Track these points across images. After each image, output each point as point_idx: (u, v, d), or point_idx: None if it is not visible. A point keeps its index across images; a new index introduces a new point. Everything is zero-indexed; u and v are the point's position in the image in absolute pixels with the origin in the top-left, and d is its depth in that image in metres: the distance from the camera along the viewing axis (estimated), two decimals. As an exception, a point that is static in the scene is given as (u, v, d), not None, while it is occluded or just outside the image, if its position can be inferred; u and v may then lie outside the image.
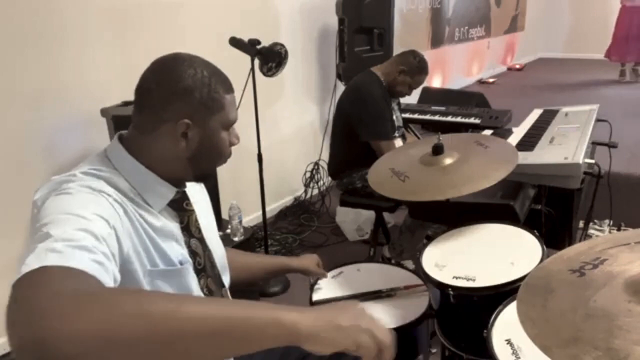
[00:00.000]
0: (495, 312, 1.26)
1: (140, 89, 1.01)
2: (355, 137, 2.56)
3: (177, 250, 1.04)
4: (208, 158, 1.06)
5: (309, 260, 1.55)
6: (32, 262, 0.69)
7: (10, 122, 2.11)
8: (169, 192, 1.04)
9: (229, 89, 1.05)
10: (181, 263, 1.03)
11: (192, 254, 1.09)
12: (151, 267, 0.97)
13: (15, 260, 2.32)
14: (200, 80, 0.99)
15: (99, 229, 0.81)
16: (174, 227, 1.06)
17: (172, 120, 0.98)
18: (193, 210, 1.11)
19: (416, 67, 2.61)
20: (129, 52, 2.51)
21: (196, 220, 1.12)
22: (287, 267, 1.50)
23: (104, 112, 2.16)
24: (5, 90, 2.08)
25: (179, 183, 1.07)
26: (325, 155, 2.98)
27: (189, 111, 0.99)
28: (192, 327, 0.64)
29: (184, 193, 1.09)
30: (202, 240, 1.13)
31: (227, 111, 1.04)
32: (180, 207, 1.08)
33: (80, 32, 2.30)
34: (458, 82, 6.29)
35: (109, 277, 0.76)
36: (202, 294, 1.10)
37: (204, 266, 1.12)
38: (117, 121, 2.10)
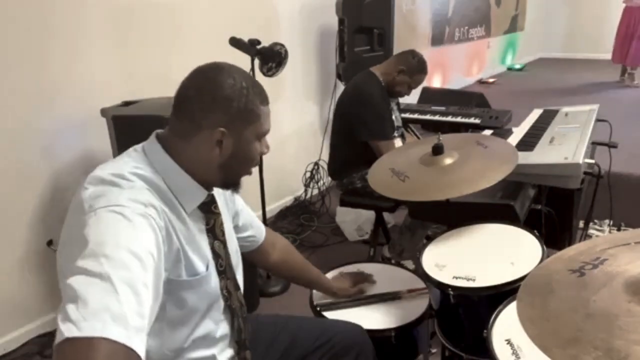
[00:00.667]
0: (495, 312, 1.26)
1: (180, 96, 1.04)
2: (355, 137, 2.56)
3: (204, 256, 1.07)
4: (238, 166, 1.09)
5: (342, 284, 1.58)
6: (85, 328, 0.71)
7: (10, 122, 2.11)
8: (202, 195, 1.07)
9: (265, 100, 1.08)
10: (207, 268, 1.07)
11: (215, 255, 1.11)
12: (173, 278, 0.99)
13: (15, 259, 2.31)
14: (239, 91, 1.02)
15: (149, 274, 0.84)
16: (200, 229, 1.08)
17: (209, 128, 1.01)
18: (219, 214, 1.15)
19: (415, 66, 2.61)
20: (129, 52, 2.51)
21: (221, 224, 1.15)
22: (329, 288, 1.56)
23: (104, 112, 2.16)
24: (5, 90, 2.08)
25: (208, 187, 1.09)
26: (325, 155, 2.98)
27: (226, 120, 1.01)
28: None
29: (213, 196, 1.12)
30: (224, 243, 1.15)
31: (262, 122, 1.07)
32: (209, 210, 1.11)
33: (80, 31, 2.30)
34: (458, 82, 6.29)
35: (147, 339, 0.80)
36: (221, 295, 1.13)
37: (224, 268, 1.14)
38: (117, 121, 2.09)
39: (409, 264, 2.49)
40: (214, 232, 1.12)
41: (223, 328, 1.15)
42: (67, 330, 0.70)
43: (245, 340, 1.21)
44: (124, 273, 0.79)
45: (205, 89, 1.02)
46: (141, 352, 0.74)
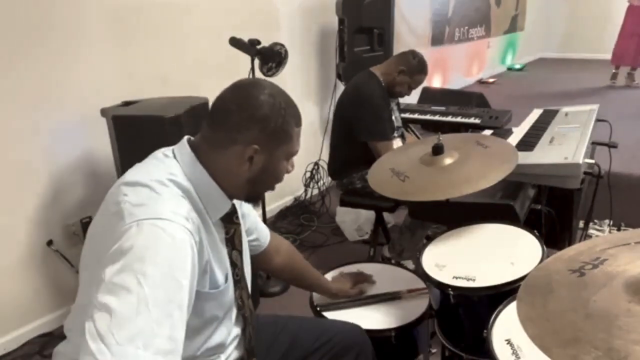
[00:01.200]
0: (495, 312, 1.26)
1: (218, 107, 1.05)
2: (355, 137, 2.56)
3: (224, 266, 1.08)
4: (265, 182, 1.11)
5: (343, 285, 1.57)
6: (118, 354, 0.75)
7: (11, 122, 2.11)
8: (227, 205, 1.08)
9: (299, 122, 1.11)
10: (226, 280, 1.08)
11: (233, 265, 1.13)
12: (198, 289, 0.99)
13: (15, 259, 2.31)
14: (277, 111, 1.04)
15: (185, 294, 0.87)
16: (221, 239, 1.09)
17: (243, 144, 1.02)
18: (239, 224, 1.16)
19: (415, 67, 2.61)
20: (129, 52, 2.51)
21: (240, 234, 1.16)
22: (328, 289, 1.55)
23: (104, 112, 2.16)
24: (5, 90, 2.08)
25: (231, 197, 1.10)
26: (325, 155, 2.98)
27: (261, 138, 1.03)
28: None
29: (234, 206, 1.13)
30: (241, 253, 1.16)
31: (294, 143, 1.10)
32: (231, 220, 1.12)
33: (80, 31, 2.30)
34: (458, 82, 6.29)
35: None
36: (235, 304, 1.15)
37: (240, 278, 1.15)
38: (117, 121, 2.09)
39: (409, 264, 2.49)
40: (233, 241, 1.13)
41: (234, 335, 1.17)
42: (99, 353, 0.75)
43: (254, 347, 1.23)
44: (160, 294, 0.81)
45: (245, 104, 1.02)
46: None
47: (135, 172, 1.00)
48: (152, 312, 0.79)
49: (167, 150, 1.06)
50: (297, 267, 1.51)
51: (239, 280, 1.15)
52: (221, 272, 1.07)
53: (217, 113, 1.05)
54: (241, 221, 1.19)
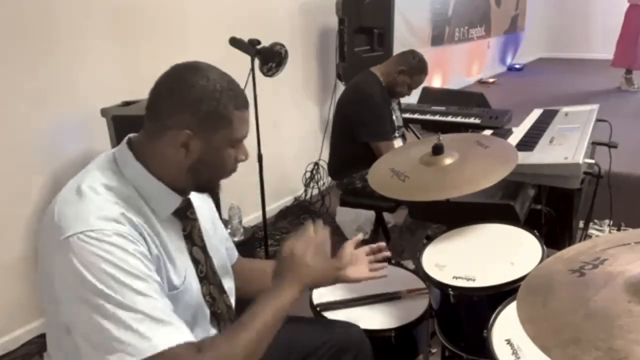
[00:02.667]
0: (495, 312, 1.26)
1: (153, 93, 1.01)
2: (355, 137, 2.56)
3: (180, 266, 1.04)
4: (209, 171, 1.04)
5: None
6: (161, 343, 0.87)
7: (11, 122, 2.11)
8: (175, 201, 1.04)
9: (241, 105, 1.02)
10: (183, 281, 1.04)
11: (194, 262, 1.09)
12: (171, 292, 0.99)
13: (15, 259, 2.31)
14: (210, 93, 0.97)
15: (156, 284, 0.93)
16: (178, 236, 1.06)
17: (175, 129, 0.97)
18: (196, 219, 1.12)
19: (415, 67, 2.61)
20: (129, 52, 2.51)
21: (199, 229, 1.12)
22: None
23: (104, 112, 2.16)
24: (5, 89, 2.08)
25: (183, 192, 1.06)
26: (325, 155, 2.98)
27: (193, 122, 0.97)
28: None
29: (189, 201, 1.09)
30: (204, 248, 1.13)
31: (235, 128, 1.01)
32: (185, 216, 1.08)
33: (80, 31, 2.30)
34: (458, 82, 6.28)
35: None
36: (205, 302, 1.11)
37: (206, 273, 1.12)
38: (117, 121, 2.09)
39: (409, 264, 2.49)
40: (192, 238, 1.09)
41: (213, 334, 1.13)
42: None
43: None
44: (141, 305, 0.88)
45: (176, 88, 0.98)
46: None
47: (72, 180, 0.99)
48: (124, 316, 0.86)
49: (110, 152, 1.04)
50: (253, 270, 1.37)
51: (204, 276, 1.11)
52: (176, 273, 1.02)
53: (150, 100, 1.00)
54: (199, 216, 1.14)
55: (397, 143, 2.67)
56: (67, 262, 0.87)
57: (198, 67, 1.00)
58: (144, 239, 0.95)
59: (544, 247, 1.46)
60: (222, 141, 1.01)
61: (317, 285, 1.29)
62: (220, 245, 1.23)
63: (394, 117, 2.73)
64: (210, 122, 0.98)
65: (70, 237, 0.88)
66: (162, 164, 1.00)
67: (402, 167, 1.67)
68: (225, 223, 2.54)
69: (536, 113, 2.57)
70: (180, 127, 0.97)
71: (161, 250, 1.00)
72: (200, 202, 1.18)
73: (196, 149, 0.99)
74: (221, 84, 0.99)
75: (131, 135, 1.06)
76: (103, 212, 0.91)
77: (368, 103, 2.55)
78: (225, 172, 1.07)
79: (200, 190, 1.10)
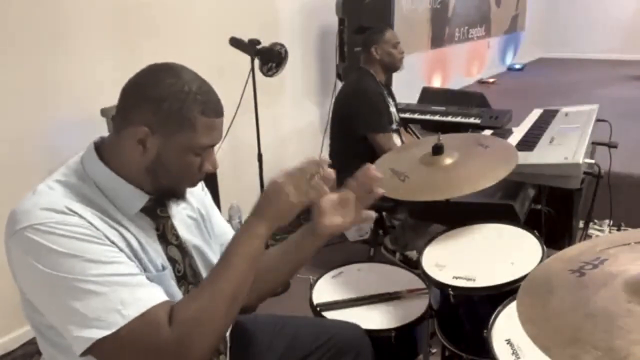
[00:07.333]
0: (495, 312, 1.26)
1: (123, 88, 1.00)
2: (354, 134, 2.57)
3: (156, 260, 1.02)
4: (166, 175, 1.00)
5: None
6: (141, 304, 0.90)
7: (11, 122, 2.11)
8: (140, 199, 1.01)
9: (210, 112, 0.98)
10: (163, 268, 1.03)
11: (171, 261, 1.06)
12: (146, 273, 0.98)
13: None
14: (175, 93, 0.95)
15: (122, 256, 0.94)
16: (151, 235, 1.04)
17: (134, 124, 0.96)
18: (169, 217, 1.08)
19: (376, 34, 2.66)
20: (129, 52, 2.50)
21: (172, 227, 1.09)
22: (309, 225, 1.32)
23: (104, 112, 2.16)
24: (5, 90, 2.08)
25: (146, 190, 1.02)
26: (325, 155, 2.98)
27: (153, 120, 0.95)
28: (248, 268, 1.00)
29: (158, 200, 1.05)
30: (180, 246, 1.10)
31: (198, 134, 0.97)
32: (154, 214, 1.05)
33: (81, 31, 2.30)
34: (458, 82, 6.28)
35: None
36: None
37: (184, 273, 1.09)
38: (117, 121, 2.09)
39: (414, 254, 2.50)
40: (166, 237, 1.07)
41: None
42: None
43: (220, 346, 1.17)
44: (115, 284, 0.89)
45: (143, 83, 0.97)
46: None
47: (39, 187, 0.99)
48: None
49: (80, 154, 1.03)
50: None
51: (182, 276, 1.08)
52: (150, 262, 1.00)
53: (120, 95, 0.99)
54: (175, 214, 1.10)
55: (395, 137, 2.66)
56: (19, 257, 0.91)
57: (172, 67, 0.99)
58: (98, 229, 0.93)
59: (544, 247, 1.46)
60: (182, 145, 0.97)
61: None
62: (212, 245, 1.20)
63: (391, 111, 2.74)
64: (170, 122, 0.95)
65: (18, 231, 0.90)
66: (123, 160, 0.99)
67: (402, 166, 1.67)
68: (225, 223, 2.54)
69: (536, 113, 2.57)
70: (139, 123, 0.95)
71: (131, 242, 0.97)
72: (194, 199, 1.17)
73: (153, 148, 0.97)
74: (190, 86, 0.96)
75: (103, 135, 1.06)
76: (50, 205, 0.91)
77: (363, 97, 2.58)
78: (185, 179, 1.04)
79: (161, 195, 1.05)
